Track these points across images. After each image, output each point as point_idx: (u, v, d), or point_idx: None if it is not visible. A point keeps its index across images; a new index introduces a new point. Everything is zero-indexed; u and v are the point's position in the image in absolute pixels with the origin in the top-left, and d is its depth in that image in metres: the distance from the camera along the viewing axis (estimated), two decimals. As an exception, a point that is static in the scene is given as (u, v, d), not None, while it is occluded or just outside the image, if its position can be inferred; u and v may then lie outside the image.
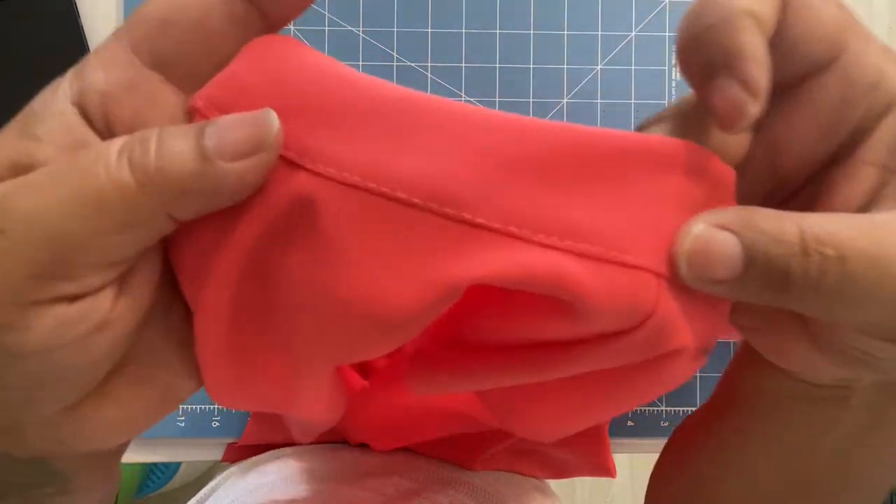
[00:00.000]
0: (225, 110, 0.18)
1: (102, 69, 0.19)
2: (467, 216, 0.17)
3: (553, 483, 0.50)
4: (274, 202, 0.18)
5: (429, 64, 0.48)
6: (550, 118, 0.48)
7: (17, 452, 0.19)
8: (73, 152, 0.18)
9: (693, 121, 0.19)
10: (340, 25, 0.47)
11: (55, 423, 0.19)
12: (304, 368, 0.20)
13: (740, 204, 0.19)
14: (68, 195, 0.17)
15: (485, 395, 0.22)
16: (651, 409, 0.48)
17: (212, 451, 0.48)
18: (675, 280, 0.18)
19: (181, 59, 0.19)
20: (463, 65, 0.48)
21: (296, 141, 0.18)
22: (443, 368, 0.21)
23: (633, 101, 0.48)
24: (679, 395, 0.48)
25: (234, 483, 0.43)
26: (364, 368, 0.42)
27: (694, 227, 0.17)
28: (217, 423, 0.47)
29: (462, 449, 0.43)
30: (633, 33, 0.48)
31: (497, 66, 0.48)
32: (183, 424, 0.47)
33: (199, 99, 0.19)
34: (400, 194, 0.17)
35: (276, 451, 0.45)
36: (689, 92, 0.19)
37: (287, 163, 0.18)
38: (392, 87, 0.18)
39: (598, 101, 0.48)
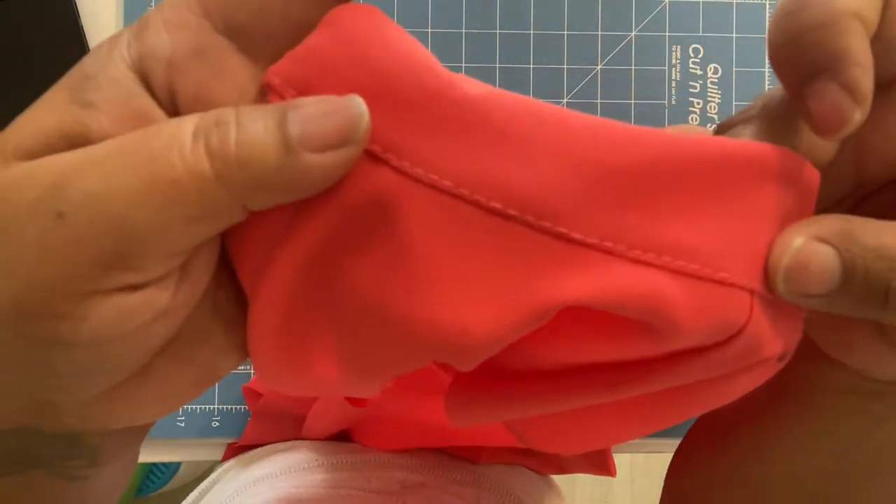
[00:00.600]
0: (303, 90, 0.17)
1: (167, 31, 0.17)
2: (563, 230, 0.16)
3: (555, 481, 0.50)
4: (351, 198, 0.17)
5: (429, 64, 0.48)
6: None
7: (50, 428, 0.18)
8: (133, 125, 0.16)
9: (782, 122, 0.18)
10: (340, 25, 0.47)
11: (93, 403, 0.18)
12: (363, 374, 0.19)
13: (817, 205, 0.18)
14: (139, 182, 0.15)
15: (529, 430, 0.20)
16: (651, 409, 0.48)
17: (212, 451, 0.48)
18: (768, 293, 0.17)
19: (257, 26, 0.17)
20: (463, 65, 0.48)
21: (381, 133, 0.16)
22: (489, 397, 0.19)
23: (633, 101, 0.48)
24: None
25: (236, 475, 0.43)
26: None
27: (794, 240, 0.17)
28: (217, 423, 0.47)
29: (462, 439, 0.43)
30: (633, 33, 0.48)
31: (497, 66, 0.48)
32: (183, 424, 0.47)
33: (275, 75, 0.17)
34: (495, 204, 0.16)
35: (278, 444, 0.45)
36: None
37: (370, 156, 0.16)
38: (475, 83, 0.17)
39: (598, 101, 0.48)
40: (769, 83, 0.48)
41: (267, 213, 0.17)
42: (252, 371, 0.47)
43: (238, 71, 0.17)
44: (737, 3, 0.48)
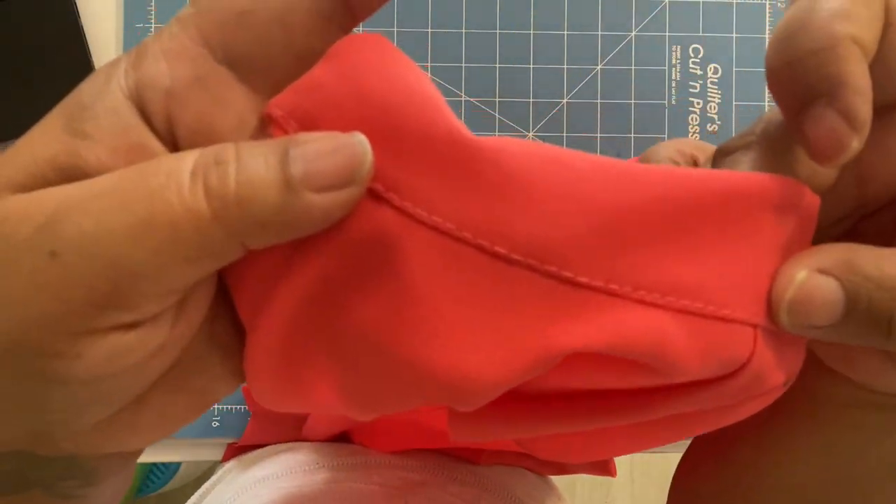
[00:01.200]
0: (305, 123, 0.16)
1: (166, 61, 0.16)
2: (569, 274, 0.16)
3: (554, 481, 0.50)
4: (352, 236, 0.16)
5: (429, 64, 0.48)
6: (550, 118, 0.48)
7: (45, 452, 0.18)
8: (130, 157, 0.16)
9: (782, 146, 0.18)
10: (340, 25, 0.47)
11: (89, 431, 0.18)
12: (364, 408, 0.18)
13: (818, 224, 0.18)
14: (135, 222, 0.15)
15: (534, 442, 0.20)
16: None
17: (212, 451, 0.48)
18: (771, 326, 0.17)
19: (258, 56, 0.16)
20: (463, 65, 0.48)
21: (384, 171, 0.16)
22: (495, 417, 0.19)
23: (633, 101, 0.48)
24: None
25: (236, 477, 0.43)
26: None
27: (797, 274, 0.17)
28: (217, 423, 0.47)
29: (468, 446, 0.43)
30: (633, 33, 0.48)
31: (497, 66, 0.48)
32: (183, 424, 0.47)
33: (277, 107, 0.17)
34: (499, 248, 0.16)
35: (279, 445, 0.45)
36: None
37: (372, 194, 0.16)
38: (476, 138, 0.16)
39: (598, 101, 0.48)
40: (769, 83, 0.48)
41: (266, 249, 0.17)
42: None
43: (238, 101, 0.17)
44: (737, 3, 0.48)
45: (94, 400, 0.17)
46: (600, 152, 0.48)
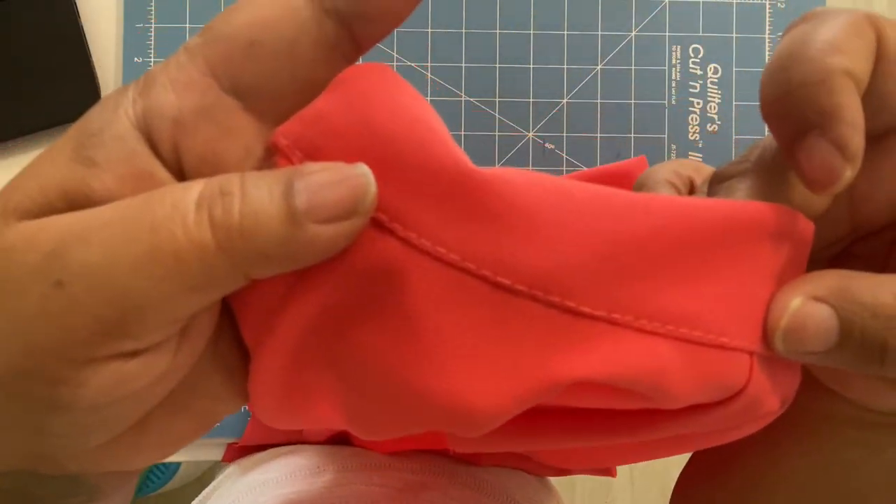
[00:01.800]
0: (310, 153, 0.17)
1: (174, 90, 0.16)
2: (572, 304, 0.16)
3: (553, 482, 0.50)
4: (356, 265, 0.16)
5: (429, 64, 0.48)
6: (550, 118, 0.48)
7: (46, 471, 0.18)
8: (137, 185, 0.16)
9: (777, 174, 0.18)
10: (340, 25, 0.47)
11: (92, 453, 0.18)
12: (369, 432, 0.19)
13: (813, 247, 0.18)
14: (140, 252, 0.15)
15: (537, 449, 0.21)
16: (651, 409, 0.48)
17: (212, 451, 0.48)
18: (767, 352, 0.17)
19: (265, 87, 0.17)
20: (463, 65, 0.48)
21: (387, 201, 0.16)
22: (494, 433, 0.18)
23: (633, 101, 0.48)
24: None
25: (236, 482, 0.43)
26: None
27: (791, 302, 0.17)
28: (217, 423, 0.47)
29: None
30: (633, 33, 0.48)
31: (497, 66, 0.48)
32: (183, 424, 0.47)
33: (283, 136, 0.17)
34: (502, 279, 0.16)
35: (278, 448, 0.45)
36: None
37: (376, 224, 0.16)
38: (479, 169, 0.17)
39: (598, 101, 0.48)
40: (769, 83, 0.48)
41: (272, 279, 0.17)
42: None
43: (245, 130, 0.17)
44: (737, 3, 0.48)
45: (96, 425, 0.17)
46: (600, 152, 0.48)
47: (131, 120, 0.17)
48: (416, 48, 0.48)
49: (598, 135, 0.48)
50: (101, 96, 0.47)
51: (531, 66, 0.48)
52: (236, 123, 0.17)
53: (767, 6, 0.48)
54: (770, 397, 0.18)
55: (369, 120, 0.16)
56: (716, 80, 0.48)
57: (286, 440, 0.45)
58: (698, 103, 0.47)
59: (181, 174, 0.17)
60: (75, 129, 0.17)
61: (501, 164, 0.48)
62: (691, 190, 0.23)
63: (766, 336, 0.17)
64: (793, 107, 0.17)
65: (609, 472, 0.45)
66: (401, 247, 0.16)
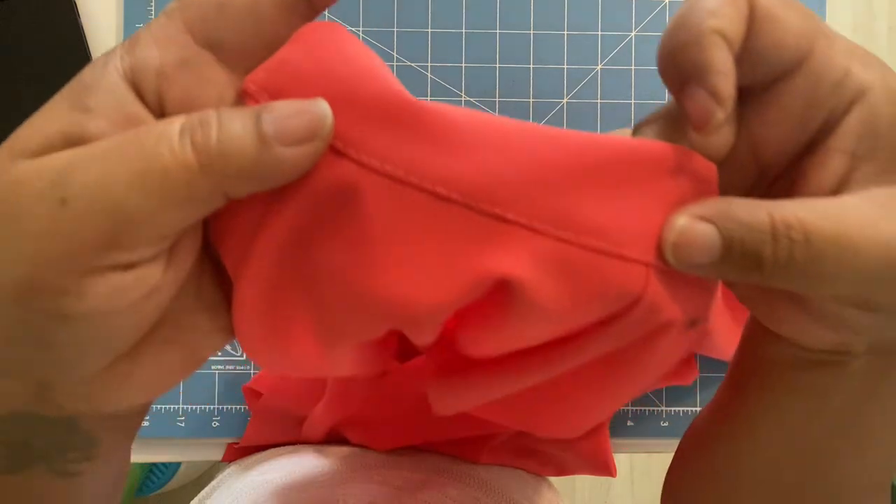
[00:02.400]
0: (275, 95, 0.19)
1: (157, 46, 0.19)
2: (499, 211, 0.19)
3: (553, 482, 0.50)
4: (318, 186, 0.19)
5: (429, 64, 0.48)
6: (550, 118, 0.48)
7: (48, 412, 0.20)
8: (126, 127, 0.19)
9: (680, 121, 0.21)
10: (340, 25, 0.47)
11: (87, 382, 0.20)
12: (334, 342, 0.21)
13: (728, 193, 0.21)
14: (133, 172, 0.18)
15: (508, 409, 0.24)
16: (651, 409, 0.48)
17: (212, 451, 0.48)
18: (662, 265, 0.20)
19: (234, 41, 0.20)
20: (463, 65, 0.48)
21: (343, 131, 0.19)
22: (461, 384, 0.23)
23: (633, 101, 0.48)
24: (679, 395, 0.48)
25: (235, 481, 0.43)
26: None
27: (678, 220, 0.20)
28: (217, 423, 0.47)
29: (465, 443, 0.43)
30: (633, 33, 0.48)
31: (497, 66, 0.48)
32: (183, 424, 0.47)
33: (251, 82, 0.20)
34: (440, 190, 0.19)
35: (278, 448, 0.45)
36: None
37: (333, 150, 0.19)
38: (422, 102, 0.20)
39: (598, 101, 0.48)
40: (769, 83, 0.48)
41: (245, 204, 0.20)
42: (252, 371, 0.47)
43: (218, 79, 0.20)
44: (737, 3, 0.48)
45: (95, 338, 0.19)
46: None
47: (120, 73, 0.19)
48: (416, 48, 0.48)
49: (598, 135, 0.48)
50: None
51: (531, 66, 0.48)
52: (211, 74, 0.20)
53: (767, 6, 0.48)
54: (670, 305, 0.20)
55: (325, 64, 0.19)
56: (716, 80, 0.48)
57: (286, 440, 0.45)
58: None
59: (164, 117, 0.19)
60: (70, 85, 0.19)
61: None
62: None
63: (660, 251, 0.20)
64: (678, 62, 0.20)
65: (609, 471, 0.45)
66: (355, 168, 0.19)
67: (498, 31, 0.48)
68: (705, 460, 0.27)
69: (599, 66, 0.48)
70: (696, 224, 0.19)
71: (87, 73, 0.19)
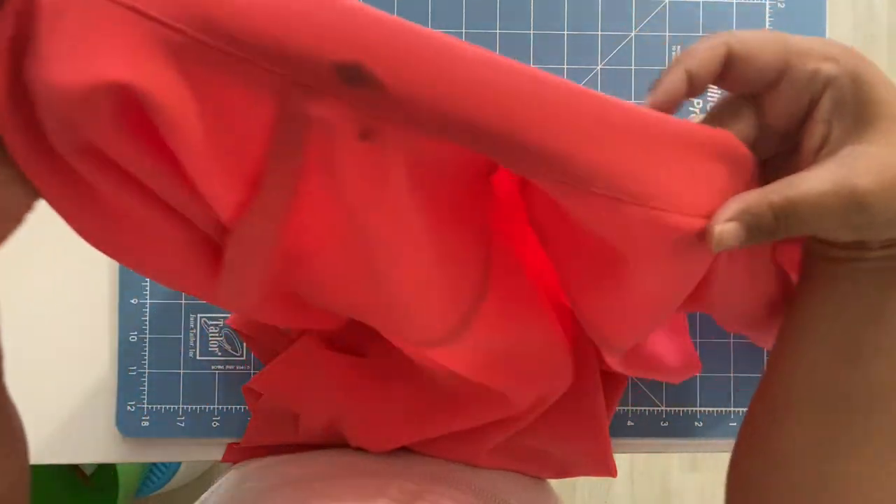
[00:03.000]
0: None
1: None
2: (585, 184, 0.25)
3: (553, 484, 0.50)
4: None
5: (429, 64, 0.48)
6: (550, 118, 0.48)
7: None
8: None
9: (722, 115, 0.30)
10: (340, 25, 0.47)
11: None
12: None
13: (764, 155, 0.30)
14: None
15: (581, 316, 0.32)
16: (651, 409, 0.48)
17: (212, 451, 0.48)
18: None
19: None
20: (463, 65, 0.48)
21: None
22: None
23: (633, 101, 0.48)
24: (679, 395, 0.48)
25: (231, 491, 0.42)
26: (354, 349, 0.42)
27: (714, 227, 0.27)
28: (217, 423, 0.47)
29: (463, 445, 0.43)
30: (633, 33, 0.48)
31: (497, 66, 0.48)
32: (183, 424, 0.47)
33: None
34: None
35: (276, 457, 0.45)
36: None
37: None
38: None
39: (598, 101, 0.48)
40: (769, 83, 0.48)
41: None
42: (252, 371, 0.47)
43: None
44: (737, 3, 0.48)
45: None
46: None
47: None
48: (416, 48, 0.48)
49: (598, 135, 0.48)
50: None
51: (531, 66, 0.48)
52: None
53: (767, 6, 0.48)
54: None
55: None
56: (716, 80, 0.48)
57: (286, 440, 0.45)
58: (698, 103, 0.48)
59: None
60: None
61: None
62: None
63: (707, 240, 0.27)
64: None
65: (609, 470, 0.45)
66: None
67: (498, 31, 0.48)
68: (759, 394, 0.34)
69: (599, 66, 0.48)
70: (725, 226, 0.27)
71: None
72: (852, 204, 0.26)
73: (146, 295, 0.47)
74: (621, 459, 1.21)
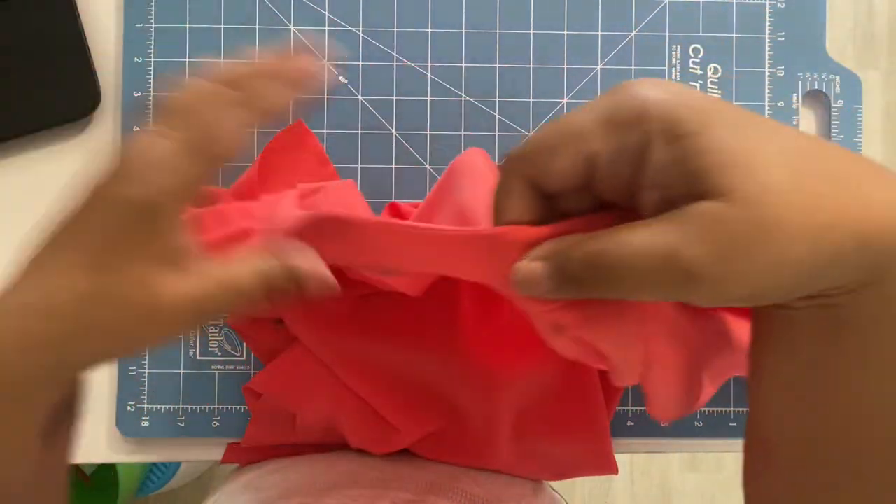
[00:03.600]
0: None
1: None
2: None
3: (553, 484, 0.50)
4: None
5: (429, 64, 0.48)
6: (551, 118, 0.48)
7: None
8: None
9: None
10: (340, 25, 0.47)
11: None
12: None
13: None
14: None
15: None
16: (651, 409, 0.48)
17: (212, 451, 0.48)
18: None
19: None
20: (463, 65, 0.48)
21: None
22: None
23: (633, 101, 0.48)
24: (679, 395, 0.48)
25: (231, 498, 0.42)
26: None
27: (520, 264, 0.26)
28: (217, 423, 0.47)
29: (462, 447, 0.43)
30: (633, 33, 0.48)
31: (497, 66, 0.48)
32: (183, 424, 0.47)
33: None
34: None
35: (276, 462, 0.45)
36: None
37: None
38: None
39: (598, 101, 0.48)
40: (769, 83, 0.48)
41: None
42: (252, 371, 0.47)
43: None
44: (737, 3, 0.48)
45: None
46: (600, 152, 0.48)
47: None
48: (416, 48, 0.48)
49: (598, 135, 0.47)
50: (101, 96, 0.47)
51: (531, 66, 0.48)
52: None
53: (767, 6, 0.48)
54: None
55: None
56: (716, 81, 0.48)
57: (285, 440, 0.45)
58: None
59: None
60: None
61: (501, 164, 0.48)
62: None
63: (512, 285, 0.26)
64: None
65: (610, 467, 0.45)
66: None
67: (498, 31, 0.48)
68: (745, 439, 0.30)
69: (599, 66, 0.48)
70: (530, 264, 0.25)
71: None
72: (678, 273, 0.22)
73: (146, 295, 0.47)
74: (621, 459, 1.21)
